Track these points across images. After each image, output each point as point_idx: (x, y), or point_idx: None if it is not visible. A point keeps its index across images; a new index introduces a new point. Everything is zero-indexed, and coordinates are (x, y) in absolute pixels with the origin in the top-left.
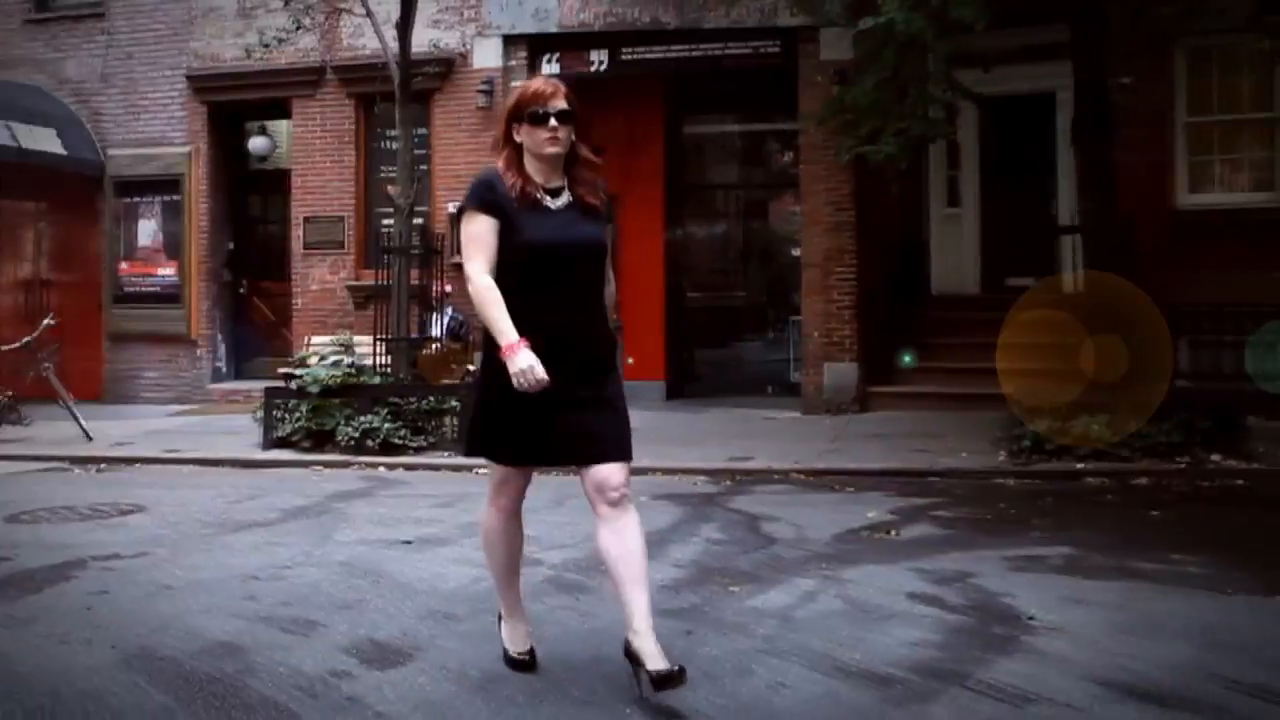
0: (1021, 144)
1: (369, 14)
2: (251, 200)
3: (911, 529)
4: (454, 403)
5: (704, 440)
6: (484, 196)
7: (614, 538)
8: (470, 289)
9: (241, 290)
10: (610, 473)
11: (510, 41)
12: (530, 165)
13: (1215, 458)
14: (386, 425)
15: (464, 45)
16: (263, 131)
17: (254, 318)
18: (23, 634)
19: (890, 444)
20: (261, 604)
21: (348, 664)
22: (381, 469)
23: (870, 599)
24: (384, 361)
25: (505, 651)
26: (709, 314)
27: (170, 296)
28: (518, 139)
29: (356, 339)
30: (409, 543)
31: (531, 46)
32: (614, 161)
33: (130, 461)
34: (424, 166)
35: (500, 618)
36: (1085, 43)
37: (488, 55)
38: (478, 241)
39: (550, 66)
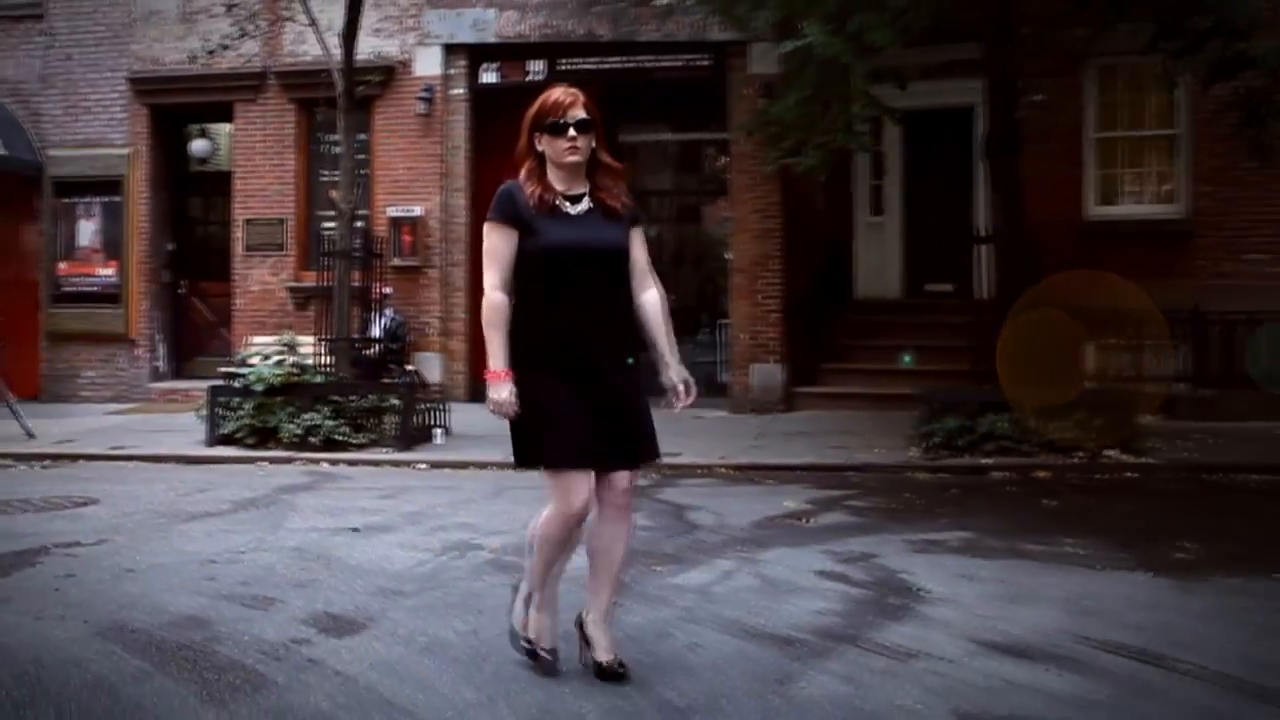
0: (943, 155)
1: (313, 23)
2: (192, 201)
3: (825, 517)
4: (394, 401)
5: None
6: (503, 208)
7: (605, 534)
8: (483, 302)
9: (181, 291)
10: (620, 476)
11: (450, 50)
12: (552, 173)
13: (1111, 453)
14: (329, 422)
15: (404, 53)
16: (204, 134)
17: (193, 318)
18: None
19: (811, 441)
20: (221, 584)
21: (307, 633)
22: (324, 464)
23: (782, 576)
24: (326, 361)
25: (523, 641)
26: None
27: (110, 296)
28: (539, 148)
29: (298, 339)
30: (356, 530)
31: (471, 56)
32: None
33: (75, 458)
34: (364, 171)
35: (527, 602)
36: (996, 62)
37: (428, 63)
38: (492, 255)
39: (489, 75)
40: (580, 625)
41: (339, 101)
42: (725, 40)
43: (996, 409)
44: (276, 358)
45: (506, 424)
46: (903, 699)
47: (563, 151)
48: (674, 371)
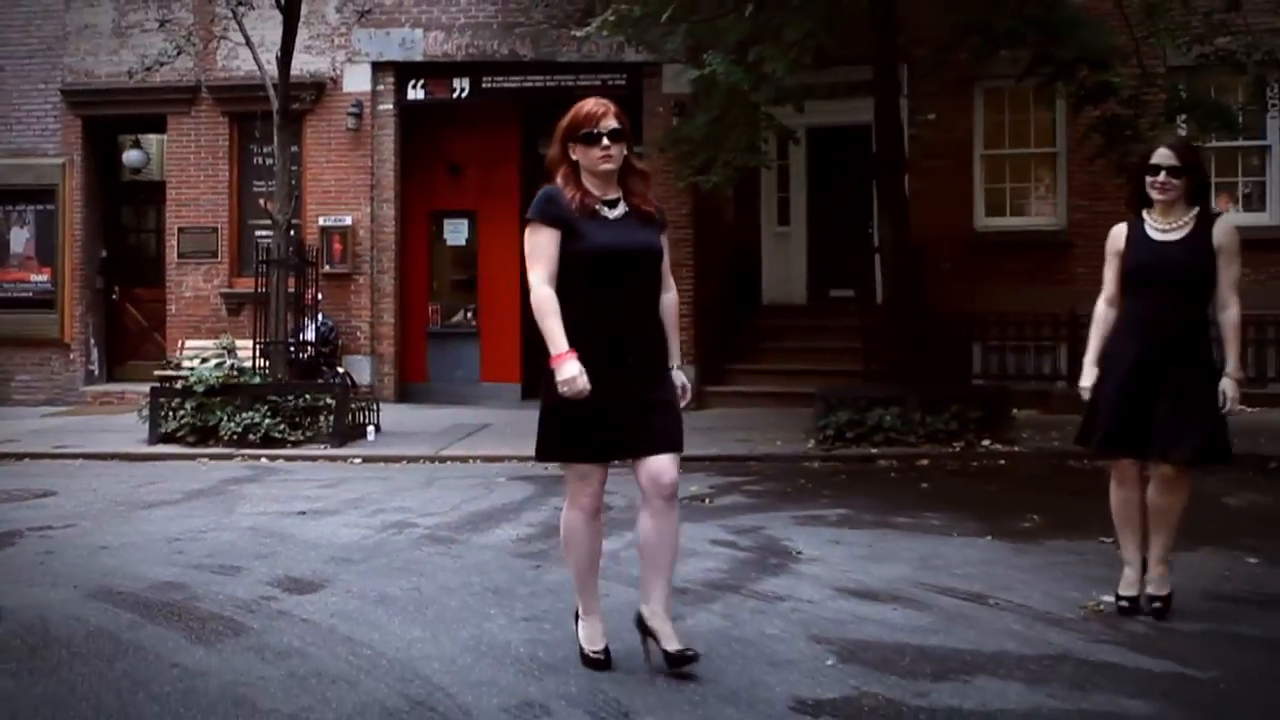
0: (845, 169)
1: (248, 42)
2: (125, 210)
3: (724, 499)
4: (329, 401)
5: None
6: (546, 209)
7: (654, 528)
8: (531, 297)
9: (114, 296)
10: (664, 467)
11: (379, 68)
12: (587, 180)
13: (985, 443)
14: (267, 421)
15: (334, 70)
16: (137, 145)
17: (126, 323)
18: None
19: (718, 435)
20: (190, 557)
21: (273, 592)
22: (264, 459)
23: (680, 544)
24: (261, 364)
25: (581, 650)
26: None
27: (44, 302)
28: (574, 157)
29: (236, 342)
30: (303, 513)
31: (398, 73)
32: (474, 177)
33: (20, 457)
34: (295, 182)
35: (577, 616)
36: (884, 87)
37: (357, 80)
38: (538, 252)
39: (416, 92)
40: (640, 621)
41: (275, 119)
42: (640, 61)
43: (885, 404)
44: (216, 360)
45: (435, 421)
46: (770, 629)
47: (597, 160)
48: (676, 373)
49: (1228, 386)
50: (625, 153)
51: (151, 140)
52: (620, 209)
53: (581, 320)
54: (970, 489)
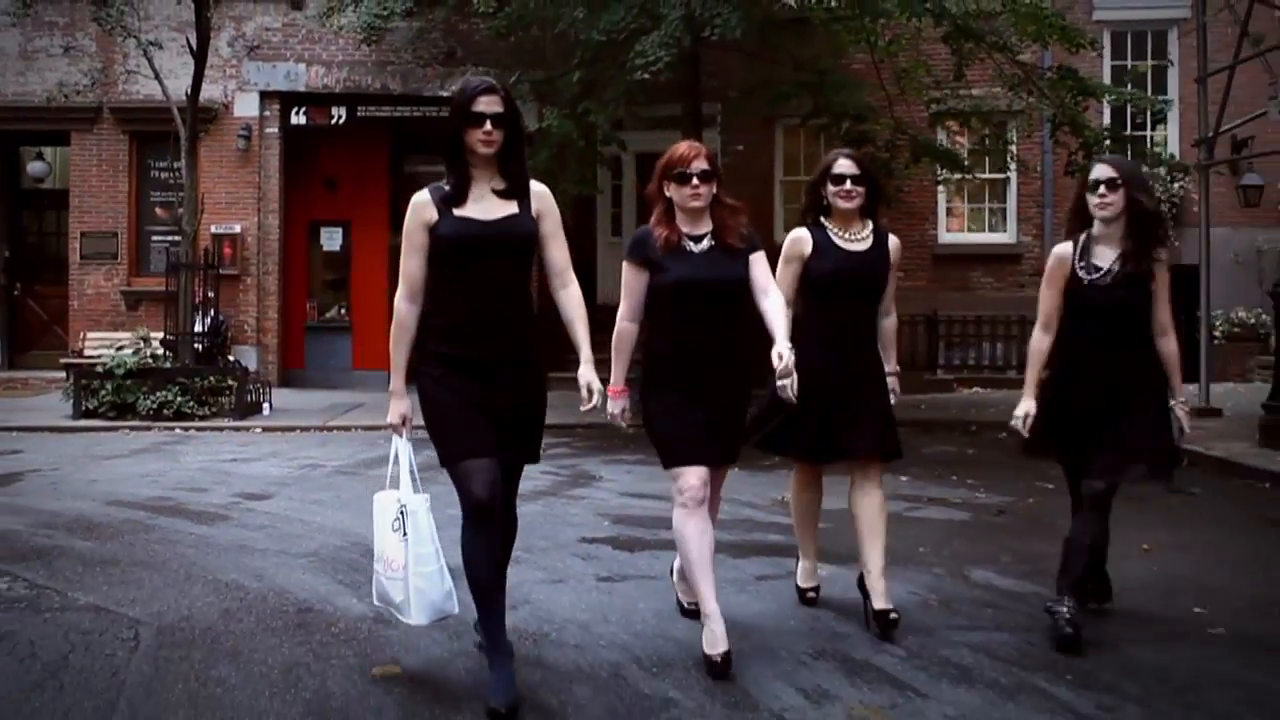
0: None
1: (158, 77)
2: (27, 214)
3: (555, 450)
4: (231, 382)
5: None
6: (635, 250)
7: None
8: (615, 330)
9: (16, 293)
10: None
11: (266, 96)
12: (679, 215)
13: None
14: (178, 399)
15: (226, 97)
16: (40, 157)
17: (28, 317)
18: (13, 500)
19: (563, 412)
20: (164, 485)
21: (238, 500)
22: (178, 430)
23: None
24: (164, 352)
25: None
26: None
27: None
28: (667, 194)
29: (128, 335)
30: (234, 460)
31: (283, 101)
32: (348, 191)
33: None
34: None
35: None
36: (690, 123)
37: (247, 106)
38: (627, 290)
39: (299, 118)
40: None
41: (182, 144)
42: None
43: None
44: (133, 348)
45: (317, 401)
46: (572, 511)
47: (687, 197)
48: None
49: (894, 383)
50: (715, 191)
51: (57, 151)
52: (706, 243)
53: (666, 342)
54: None
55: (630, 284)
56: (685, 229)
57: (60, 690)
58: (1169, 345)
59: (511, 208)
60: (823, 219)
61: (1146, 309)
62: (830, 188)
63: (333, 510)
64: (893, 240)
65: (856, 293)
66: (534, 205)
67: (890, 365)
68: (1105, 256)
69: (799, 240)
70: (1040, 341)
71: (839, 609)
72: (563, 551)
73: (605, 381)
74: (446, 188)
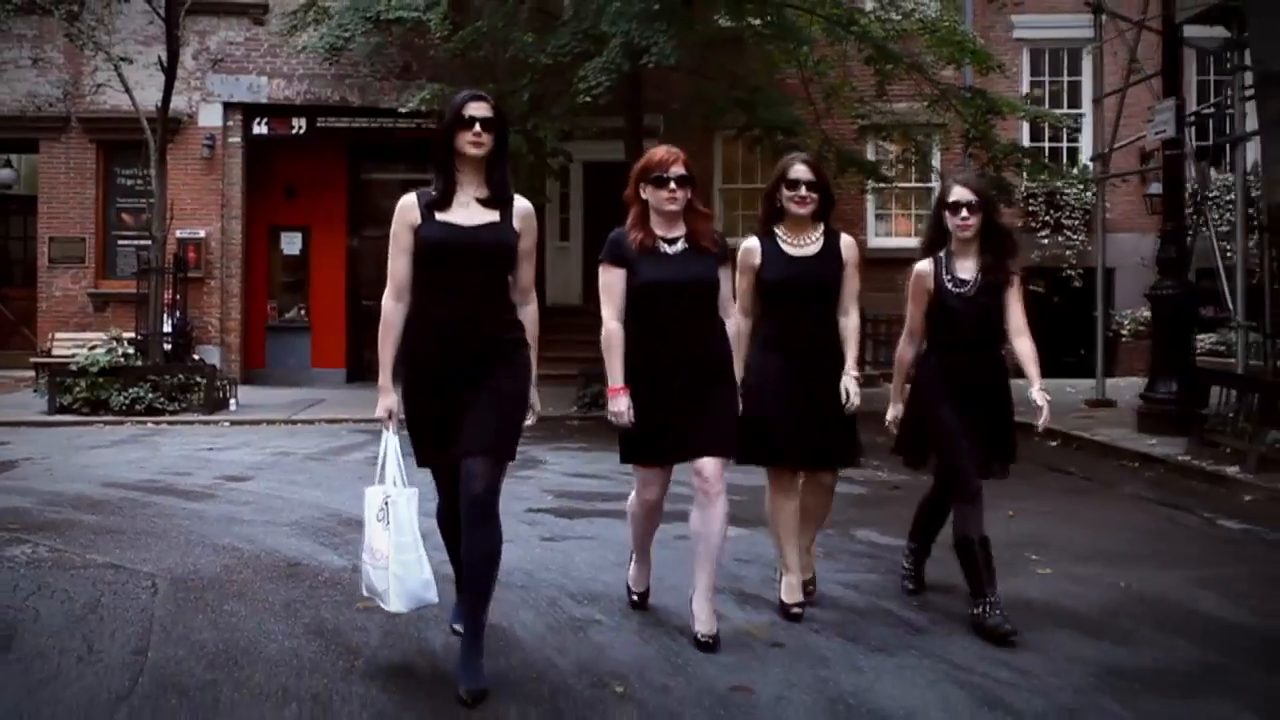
0: (613, 196)
1: (128, 91)
2: None
3: None
4: (198, 379)
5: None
6: (611, 251)
7: (697, 518)
8: (602, 331)
9: None
10: (706, 466)
11: (229, 107)
12: (654, 218)
13: None
14: (150, 395)
15: (191, 108)
16: (8, 164)
17: None
18: (16, 484)
19: None
20: (150, 470)
21: (221, 482)
22: (150, 424)
23: None
24: (132, 351)
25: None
26: (379, 317)
27: None
28: (644, 196)
29: (97, 335)
30: (211, 448)
31: (246, 113)
32: (307, 198)
33: None
34: (153, 200)
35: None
36: (632, 136)
37: (211, 117)
38: (608, 291)
39: (260, 128)
40: (690, 601)
41: (152, 155)
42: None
43: None
44: (107, 348)
45: (280, 397)
46: (521, 489)
47: (663, 200)
48: (848, 378)
49: (850, 384)
50: (689, 195)
51: (24, 159)
52: (679, 245)
53: (640, 344)
54: None
55: (609, 284)
56: (660, 232)
57: (101, 620)
58: (1026, 344)
59: (493, 216)
60: (775, 226)
61: (1003, 314)
62: (785, 193)
63: (308, 489)
64: (845, 240)
65: (807, 298)
66: (517, 221)
67: (850, 366)
68: (967, 269)
69: (749, 251)
70: (906, 352)
71: (741, 558)
72: (511, 519)
73: (596, 391)
74: (433, 193)
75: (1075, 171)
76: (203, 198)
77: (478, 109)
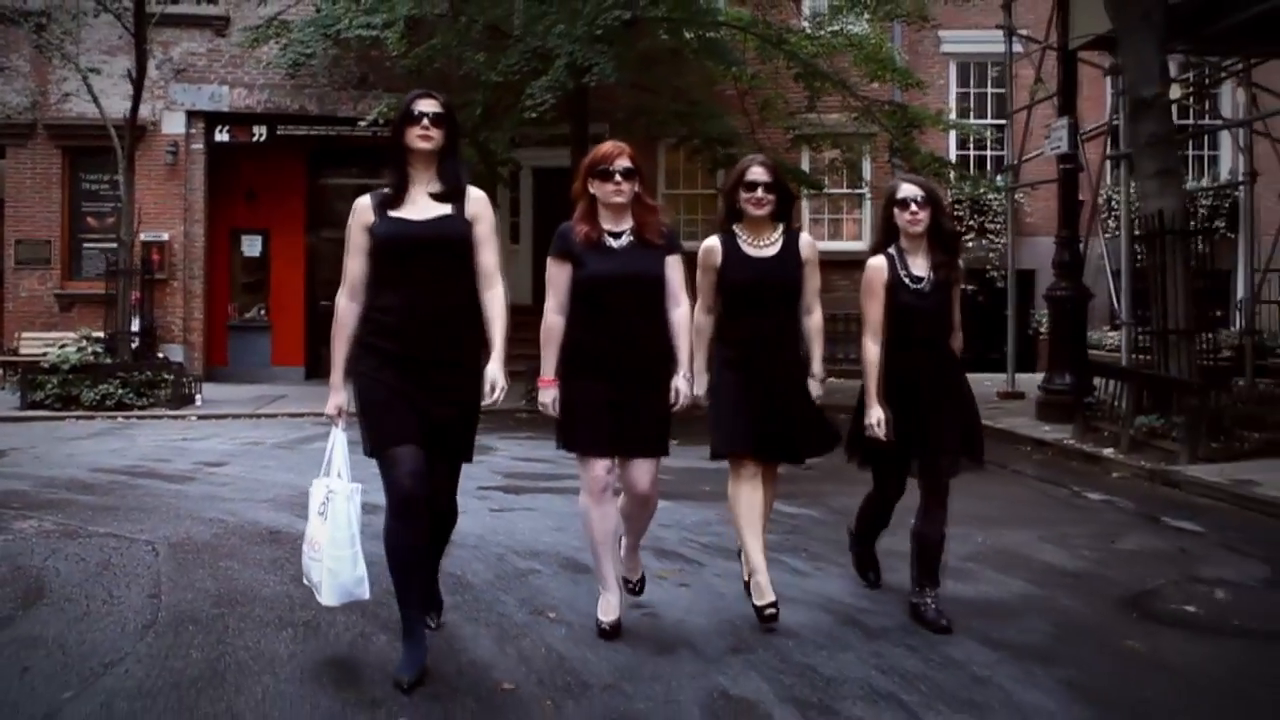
0: (562, 200)
1: (95, 101)
2: None
3: None
4: (165, 375)
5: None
6: (557, 245)
7: (628, 507)
8: (543, 322)
9: None
10: (637, 468)
11: (192, 115)
12: (601, 212)
13: None
14: (119, 391)
15: (155, 116)
16: None
17: None
18: (9, 470)
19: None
20: (130, 458)
21: (199, 468)
22: (120, 419)
23: None
24: (99, 350)
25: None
26: None
27: None
28: (591, 191)
29: (63, 334)
30: (185, 439)
31: (208, 120)
32: (267, 202)
33: None
34: (119, 205)
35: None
36: (577, 145)
37: (174, 124)
38: (551, 284)
39: (222, 135)
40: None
41: (120, 162)
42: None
43: None
44: (78, 346)
45: (243, 393)
46: (474, 471)
47: (609, 193)
48: (679, 379)
49: (814, 386)
50: (636, 189)
51: None
52: (625, 239)
53: (581, 337)
54: None
55: (554, 278)
56: (606, 225)
57: (115, 575)
58: (958, 341)
59: (445, 209)
60: (735, 226)
61: (952, 311)
62: (743, 194)
63: (280, 473)
64: (804, 239)
65: (766, 298)
66: (469, 209)
67: (814, 365)
68: (920, 266)
69: (710, 250)
70: (872, 351)
71: (665, 524)
72: (464, 496)
73: (537, 374)
74: (387, 191)
75: (985, 183)
76: (166, 202)
77: (426, 105)
